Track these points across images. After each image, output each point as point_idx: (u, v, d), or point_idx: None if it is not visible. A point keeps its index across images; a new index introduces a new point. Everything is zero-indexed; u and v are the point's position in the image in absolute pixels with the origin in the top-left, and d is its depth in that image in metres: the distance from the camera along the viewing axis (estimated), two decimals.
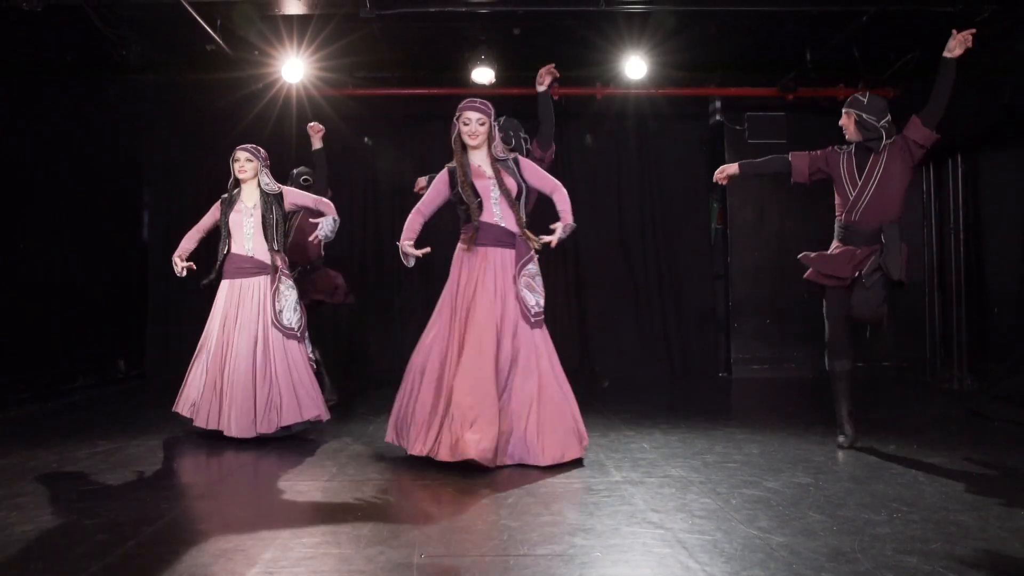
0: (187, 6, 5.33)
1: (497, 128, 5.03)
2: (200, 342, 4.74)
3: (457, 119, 4.05)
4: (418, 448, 3.80)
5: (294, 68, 6.35)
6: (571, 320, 8.28)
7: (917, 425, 5.07)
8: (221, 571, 2.45)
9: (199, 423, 4.55)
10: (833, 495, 3.29)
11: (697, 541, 2.69)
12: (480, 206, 4.00)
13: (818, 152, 4.43)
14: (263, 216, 4.70)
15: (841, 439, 4.26)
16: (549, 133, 4.75)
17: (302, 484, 3.56)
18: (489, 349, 3.81)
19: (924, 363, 7.43)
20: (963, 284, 6.96)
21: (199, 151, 7.85)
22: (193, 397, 4.63)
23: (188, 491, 3.44)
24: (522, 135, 5.09)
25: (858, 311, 4.18)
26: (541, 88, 4.66)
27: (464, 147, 4.07)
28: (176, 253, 4.77)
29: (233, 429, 4.43)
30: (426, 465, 3.92)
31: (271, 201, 4.74)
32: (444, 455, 3.67)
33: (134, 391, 7.20)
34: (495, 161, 4.07)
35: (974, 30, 4.02)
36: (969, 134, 6.50)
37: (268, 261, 4.67)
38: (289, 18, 5.89)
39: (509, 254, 4.05)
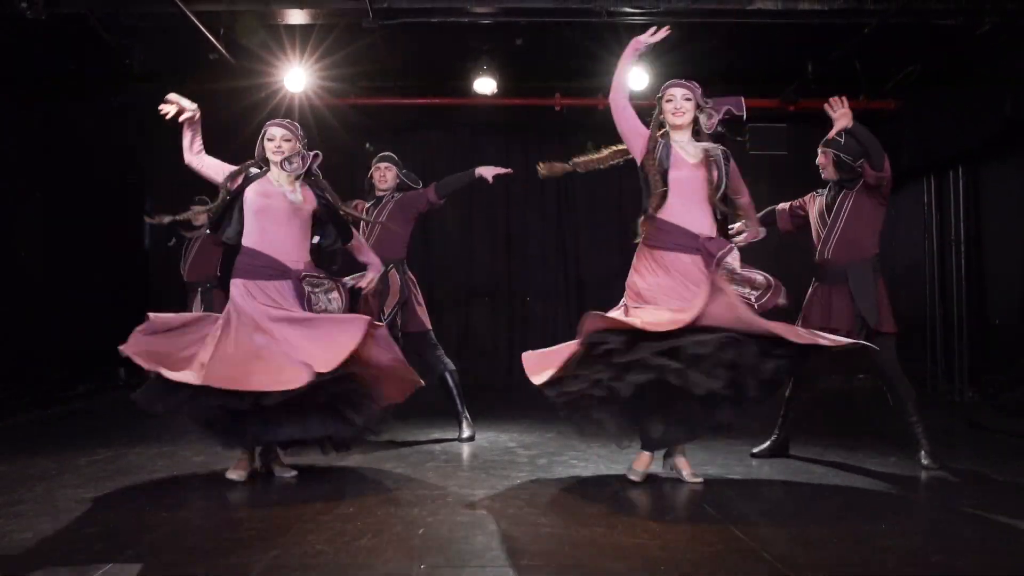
0: (190, 16, 5.34)
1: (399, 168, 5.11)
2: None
3: (659, 98, 3.74)
4: None
5: (297, 77, 6.37)
6: (571, 328, 8.26)
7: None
8: None
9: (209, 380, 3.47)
10: (834, 507, 3.28)
11: (698, 553, 2.68)
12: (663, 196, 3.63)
13: (797, 200, 4.50)
14: (323, 202, 3.93)
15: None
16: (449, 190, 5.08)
17: (301, 493, 3.56)
18: None
19: (925, 375, 7.40)
20: (964, 296, 6.95)
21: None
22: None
23: (187, 500, 3.43)
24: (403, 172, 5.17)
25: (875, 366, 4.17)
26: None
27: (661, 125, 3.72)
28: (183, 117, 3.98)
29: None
30: (427, 475, 3.92)
31: (321, 188, 3.95)
32: None
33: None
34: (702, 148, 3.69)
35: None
36: (970, 146, 6.50)
37: (295, 264, 3.82)
38: (292, 27, 5.91)
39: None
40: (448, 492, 3.55)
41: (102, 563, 2.56)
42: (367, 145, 8.18)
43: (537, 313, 8.34)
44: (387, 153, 5.23)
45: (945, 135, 6.75)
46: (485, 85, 6.76)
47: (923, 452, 4.10)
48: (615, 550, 2.72)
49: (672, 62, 6.55)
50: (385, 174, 5.10)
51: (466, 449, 4.68)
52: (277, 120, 4.00)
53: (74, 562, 2.58)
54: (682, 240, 3.61)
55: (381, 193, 5.13)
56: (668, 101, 3.71)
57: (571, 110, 7.61)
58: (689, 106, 3.68)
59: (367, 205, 5.11)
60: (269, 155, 3.90)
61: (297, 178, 3.91)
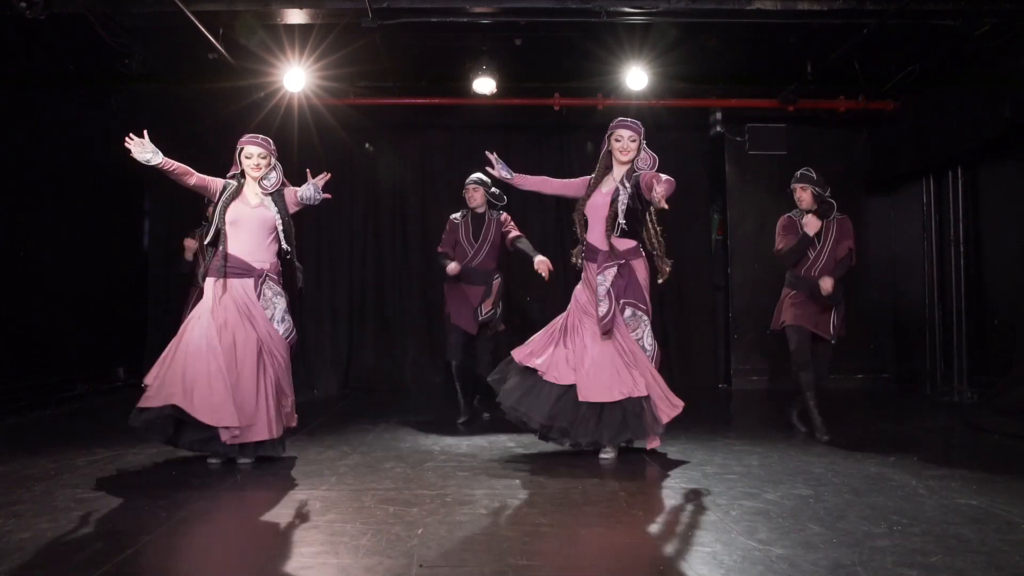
0: (190, 15, 5.34)
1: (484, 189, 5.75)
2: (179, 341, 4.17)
3: (609, 136, 4.38)
4: None
5: (296, 77, 6.36)
6: None
7: (917, 438, 5.06)
8: None
9: (156, 402, 4.11)
10: (833, 507, 3.28)
11: (696, 553, 2.69)
12: (586, 224, 4.47)
13: (792, 233, 5.07)
14: (282, 217, 4.29)
15: (825, 438, 4.80)
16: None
17: (300, 493, 3.56)
18: None
19: (924, 375, 7.41)
20: (963, 296, 6.96)
21: (201, 160, 7.83)
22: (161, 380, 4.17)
23: (186, 500, 3.43)
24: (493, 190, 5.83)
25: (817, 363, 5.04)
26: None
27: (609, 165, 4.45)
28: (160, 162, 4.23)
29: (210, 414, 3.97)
30: (425, 475, 3.92)
31: (279, 199, 4.31)
32: None
33: (133, 399, 7.11)
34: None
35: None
36: (969, 147, 6.50)
37: (260, 265, 4.24)
38: (291, 27, 5.91)
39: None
40: (448, 492, 3.55)
41: (102, 563, 2.56)
42: (366, 145, 8.19)
43: (537, 313, 8.34)
44: (478, 175, 5.78)
45: (944, 135, 6.75)
46: (484, 85, 6.76)
47: (818, 430, 4.84)
48: (615, 550, 2.72)
49: (672, 62, 6.57)
50: (473, 194, 5.79)
51: (466, 449, 4.68)
52: (252, 137, 4.36)
53: (74, 562, 2.58)
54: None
55: (475, 210, 5.82)
56: (617, 141, 4.35)
57: (570, 110, 7.61)
58: (634, 146, 4.36)
59: (456, 217, 5.86)
60: (248, 171, 4.32)
61: (267, 192, 4.33)
